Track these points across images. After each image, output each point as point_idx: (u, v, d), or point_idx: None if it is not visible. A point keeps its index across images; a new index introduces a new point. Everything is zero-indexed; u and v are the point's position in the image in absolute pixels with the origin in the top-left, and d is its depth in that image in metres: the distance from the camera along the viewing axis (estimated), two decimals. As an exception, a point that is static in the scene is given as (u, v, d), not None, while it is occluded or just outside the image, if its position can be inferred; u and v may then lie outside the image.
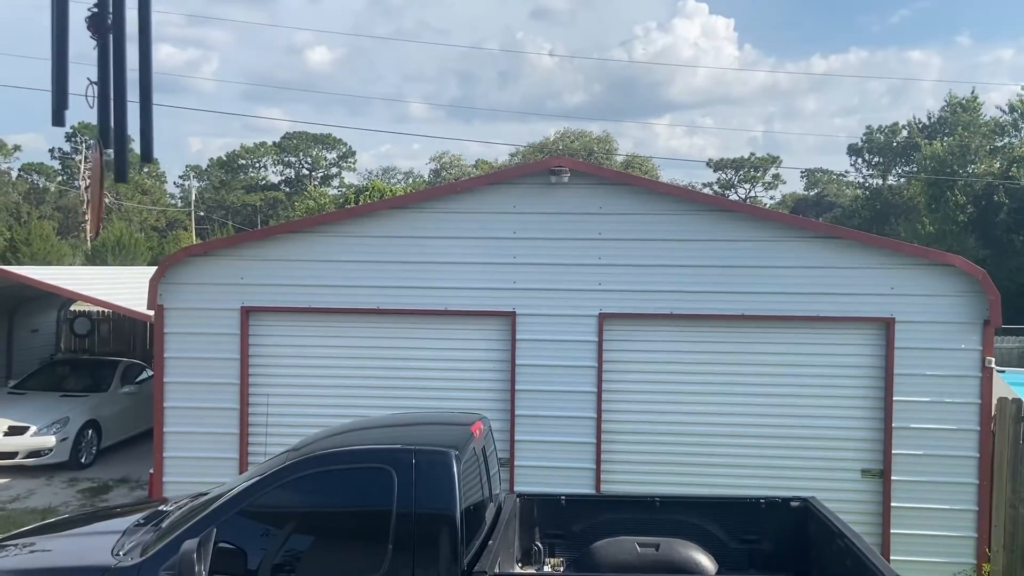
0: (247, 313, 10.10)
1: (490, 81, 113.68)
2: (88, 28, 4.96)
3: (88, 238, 65.21)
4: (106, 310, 18.86)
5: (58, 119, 4.84)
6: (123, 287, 16.27)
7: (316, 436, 6.60)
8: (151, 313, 10.35)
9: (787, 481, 9.41)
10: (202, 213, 79.16)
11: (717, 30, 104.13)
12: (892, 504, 9.48)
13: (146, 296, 10.26)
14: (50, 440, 13.39)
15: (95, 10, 4.95)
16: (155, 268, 10.92)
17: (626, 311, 9.82)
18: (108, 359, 16.73)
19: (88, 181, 74.53)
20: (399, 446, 5.81)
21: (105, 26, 4.89)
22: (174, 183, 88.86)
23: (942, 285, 9.38)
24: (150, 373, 15.72)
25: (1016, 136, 44.72)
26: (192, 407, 10.07)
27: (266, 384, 10.07)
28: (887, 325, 9.46)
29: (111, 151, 5.12)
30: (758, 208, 13.88)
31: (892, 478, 9.45)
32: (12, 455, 13.24)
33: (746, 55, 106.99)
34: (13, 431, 13.29)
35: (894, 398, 9.42)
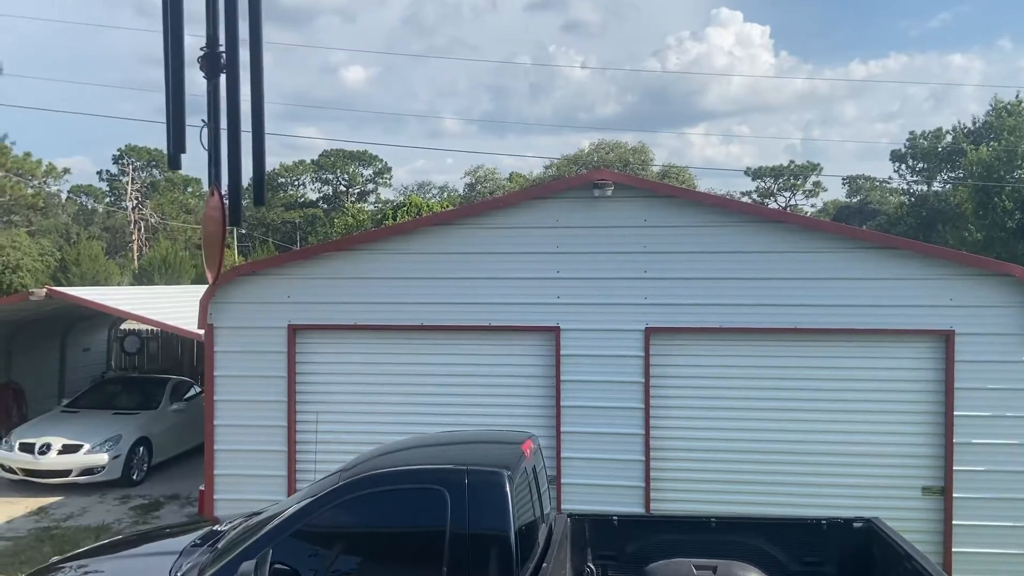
0: (294, 331, 10.18)
1: (522, 95, 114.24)
2: (201, 68, 4.87)
3: (135, 259, 66.70)
4: (154, 328, 19.18)
5: (175, 163, 4.72)
6: (170, 305, 16.54)
7: (367, 455, 6.59)
8: (198, 331, 10.48)
9: (845, 499, 9.17)
10: (243, 231, 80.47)
11: (752, 38, 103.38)
12: (954, 522, 9.17)
13: (192, 314, 10.40)
14: (103, 458, 13.61)
15: (206, 49, 4.86)
16: (201, 286, 11.07)
17: (673, 325, 9.68)
18: (157, 377, 16.99)
19: (134, 202, 76.36)
20: (451, 466, 5.77)
21: (218, 65, 4.78)
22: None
23: (1001, 296, 9.09)
24: (198, 390, 15.97)
25: (1066, 139, 43.50)
26: (241, 425, 10.16)
27: (313, 402, 10.12)
28: (946, 338, 9.19)
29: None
30: (808, 218, 13.64)
31: (954, 495, 9.15)
32: (66, 473, 13.49)
33: (782, 62, 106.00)
34: (67, 449, 13.54)
35: (955, 413, 9.13)
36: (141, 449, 14.34)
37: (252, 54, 4.95)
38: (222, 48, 4.76)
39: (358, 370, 10.16)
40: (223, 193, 5.04)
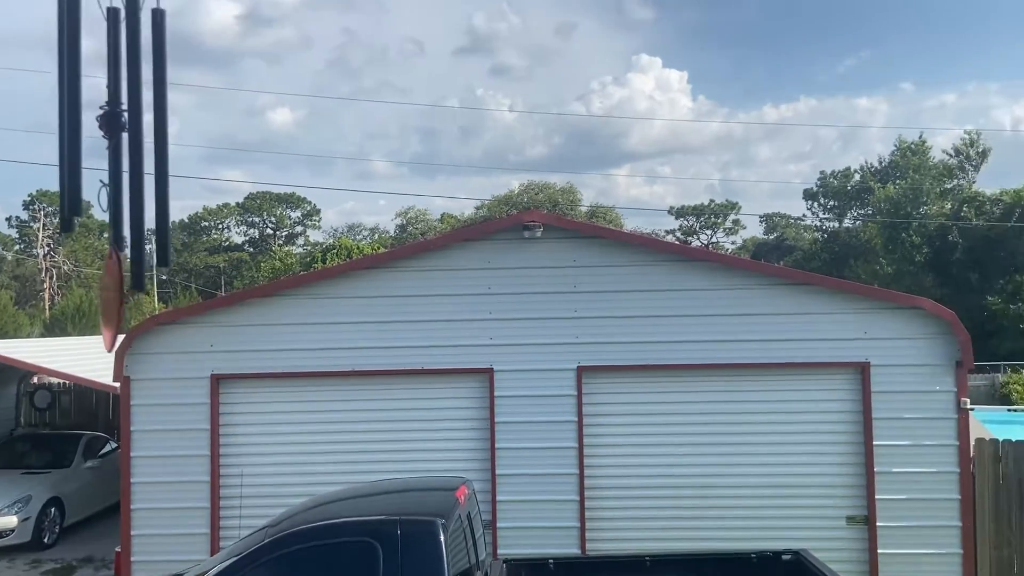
0: (217, 381, 9.85)
1: (452, 136, 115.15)
2: (100, 127, 4.60)
3: (46, 308, 63.81)
4: (67, 382, 18.29)
5: (68, 226, 4.54)
6: (84, 357, 15.82)
7: (295, 509, 6.38)
8: (114, 383, 10.05)
9: (774, 532, 9.30)
10: (164, 276, 78.08)
11: (671, 83, 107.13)
12: (879, 551, 9.41)
13: (107, 365, 9.97)
14: (11, 520, 12.81)
15: (106, 107, 4.60)
16: (117, 336, 10.62)
17: (604, 363, 9.77)
18: (70, 433, 16.17)
19: (46, 249, 73.29)
20: (382, 517, 5.64)
21: (119, 124, 4.56)
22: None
23: (913, 328, 9.49)
24: (114, 446, 15.24)
25: (964, 178, 46.28)
26: (161, 482, 9.71)
27: (239, 454, 9.77)
28: (862, 369, 9.52)
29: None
30: (730, 257, 14.07)
31: (877, 524, 9.40)
32: (-30, 538, 12.63)
33: (700, 106, 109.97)
34: (-29, 513, 12.69)
35: (874, 443, 9.43)
36: (52, 510, 13.56)
37: (156, 113, 4.81)
38: (124, 107, 4.59)
39: (286, 420, 9.88)
40: (122, 255, 4.85)
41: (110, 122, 4.58)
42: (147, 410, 9.81)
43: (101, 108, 4.61)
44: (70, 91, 4.39)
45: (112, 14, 4.69)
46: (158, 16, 4.79)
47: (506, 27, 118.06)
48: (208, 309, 10.20)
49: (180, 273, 79.62)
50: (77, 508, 14.19)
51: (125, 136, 4.72)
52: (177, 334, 9.91)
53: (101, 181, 4.59)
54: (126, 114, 4.57)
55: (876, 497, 9.41)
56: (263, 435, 9.87)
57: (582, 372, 9.74)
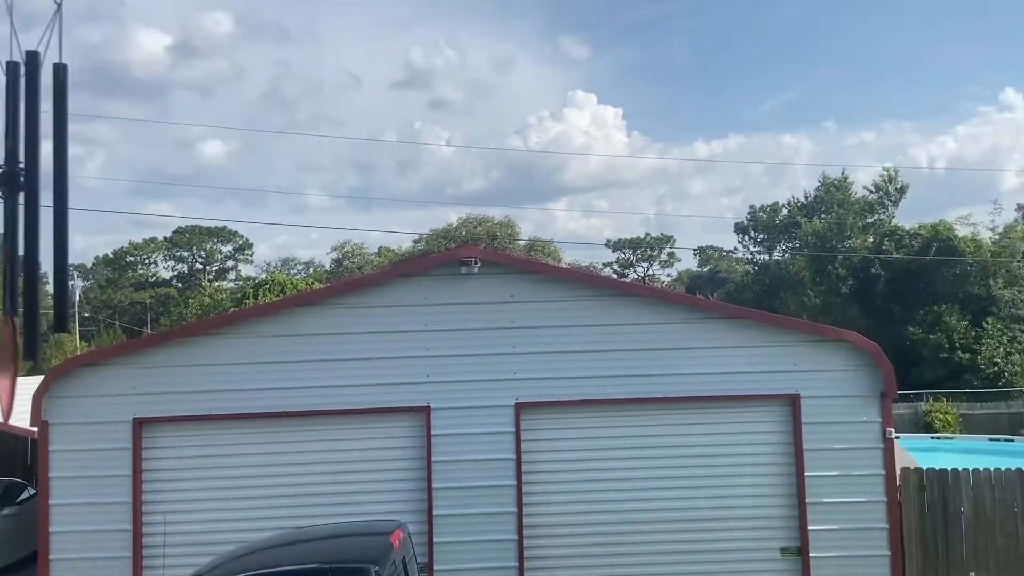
0: (140, 425, 9.47)
1: (389, 170, 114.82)
2: None
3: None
4: (-20, 425, 17.32)
5: None
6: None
7: (223, 558, 6.14)
8: (32, 428, 9.57)
9: (712, 564, 9.41)
10: (87, 314, 75.25)
11: (606, 118, 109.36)
12: (812, 580, 9.54)
13: (25, 408, 9.49)
14: (-87, 577, 11.98)
15: (4, 166, 4.37)
16: (36, 378, 10.18)
17: (542, 399, 9.76)
18: (-18, 480, 15.28)
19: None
20: (314, 565, 5.47)
21: (16, 183, 4.31)
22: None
23: (839, 360, 9.77)
24: (33, 492, 14.44)
25: (884, 213, 48.27)
26: (81, 531, 9.25)
27: (163, 501, 9.38)
28: (792, 401, 9.73)
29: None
30: (665, 291, 14.28)
31: (810, 555, 9.54)
32: None
33: (635, 141, 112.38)
34: None
35: (805, 474, 9.61)
36: (-38, 563, 12.73)
37: (56, 173, 4.56)
38: (22, 165, 4.37)
39: (214, 464, 9.54)
40: (16, 320, 4.53)
41: (7, 181, 4.37)
42: (66, 456, 9.37)
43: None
44: None
45: (12, 68, 4.46)
46: (60, 72, 4.52)
47: (443, 61, 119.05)
48: (131, 350, 9.84)
49: (104, 310, 76.92)
50: (-10, 560, 13.37)
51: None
52: (98, 376, 9.52)
53: None
54: (24, 173, 4.35)
55: (808, 528, 9.57)
56: (189, 480, 9.50)
57: (520, 409, 9.70)
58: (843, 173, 52.05)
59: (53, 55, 4.54)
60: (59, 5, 4.22)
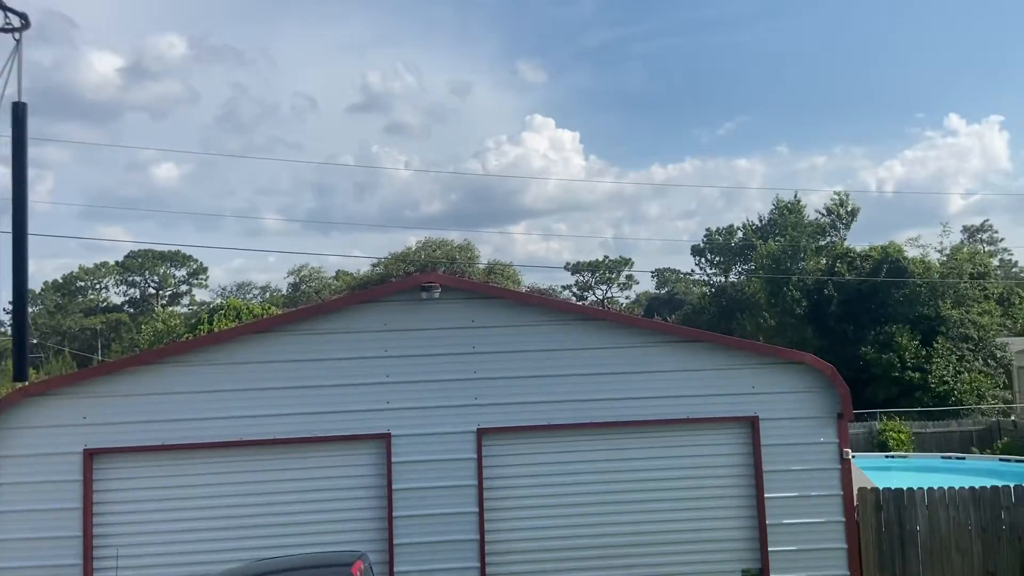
0: (91, 456, 9.20)
1: (347, 193, 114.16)
2: None
3: (-103, 374, 58.45)
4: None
5: None
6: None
7: (177, 595, 5.95)
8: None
9: (674, 588, 9.38)
10: (35, 340, 73.10)
11: (564, 142, 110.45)
12: (774, 602, 9.60)
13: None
14: None
15: None
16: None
17: (504, 424, 9.72)
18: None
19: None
20: (274, 600, 5.32)
21: None
22: (3, 309, 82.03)
23: (796, 382, 9.91)
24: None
25: (836, 235, 49.43)
26: (27, 567, 8.91)
27: (115, 535, 9.09)
28: (752, 423, 9.83)
29: None
30: (623, 315, 14.37)
31: None
32: None
33: (592, 165, 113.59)
34: None
35: (765, 495, 9.70)
36: None
37: (15, 216, 4.42)
38: None
39: (169, 495, 9.30)
40: None
41: None
42: (13, 489, 9.08)
43: None
44: None
45: None
46: (19, 110, 4.34)
47: (400, 85, 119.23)
48: (81, 379, 9.56)
49: (53, 336, 74.87)
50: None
51: None
52: (47, 406, 9.24)
53: None
54: None
55: (769, 549, 9.64)
56: (142, 512, 9.24)
57: (482, 434, 9.65)
58: (796, 196, 53.23)
59: (12, 91, 4.34)
60: (18, 41, 4.04)
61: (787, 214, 52.37)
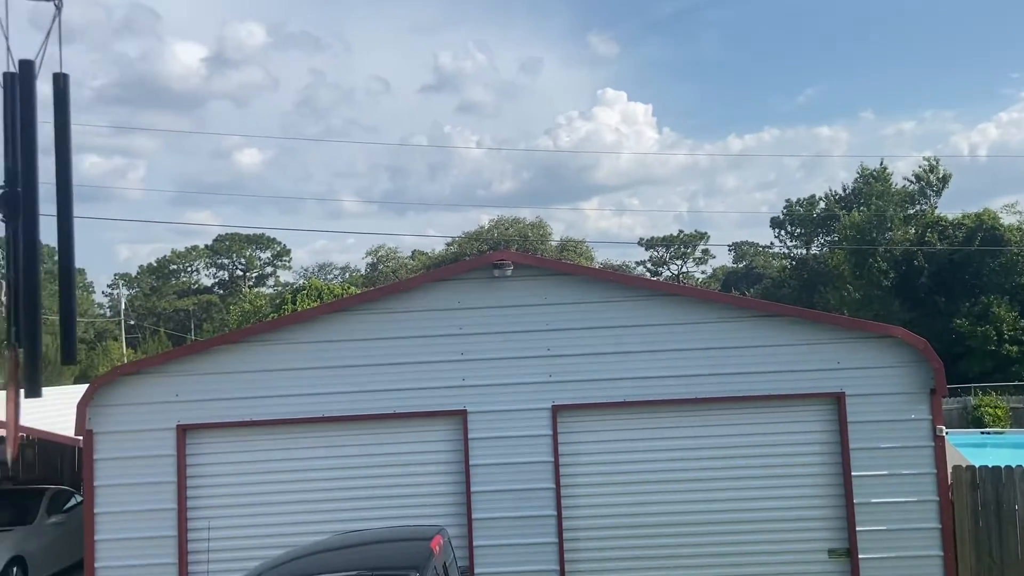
0: (183, 431, 9.58)
1: (421, 174, 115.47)
2: None
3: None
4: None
5: None
6: (48, 408, 15.35)
7: (265, 566, 6.15)
8: (77, 437, 9.73)
9: (757, 568, 9.22)
10: (132, 322, 76.77)
11: (636, 116, 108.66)
12: (862, 583, 9.31)
13: (72, 416, 9.65)
14: (-32, 583, 12.26)
15: (5, 187, 3.98)
16: (82, 386, 10.34)
17: (579, 402, 9.66)
18: (33, 488, 15.59)
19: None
20: (355, 572, 5.44)
21: (16, 206, 3.96)
22: (102, 292, 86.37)
23: (887, 357, 9.51)
24: (80, 499, 14.71)
25: (926, 203, 47.22)
26: (126, 538, 9.38)
27: (207, 507, 9.47)
28: (838, 400, 9.50)
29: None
30: (701, 290, 14.09)
31: (860, 556, 9.31)
32: (-74, 603, 12.07)
33: (666, 137, 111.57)
34: (-74, 577, 12.15)
35: (852, 473, 9.38)
36: (15, 569, 12.99)
37: (59, 193, 4.14)
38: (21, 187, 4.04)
39: (255, 469, 9.62)
40: (18, 353, 4.13)
41: (6, 204, 4.05)
42: (111, 464, 9.51)
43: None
44: None
45: (9, 80, 4.08)
46: (60, 81, 4.16)
47: (471, 64, 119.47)
48: (173, 358, 9.95)
49: (148, 318, 78.50)
50: (41, 566, 13.63)
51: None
52: (141, 384, 9.65)
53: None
54: (23, 192, 4.05)
55: (857, 529, 9.33)
56: (232, 486, 9.59)
57: (557, 411, 9.62)
58: (882, 164, 51.06)
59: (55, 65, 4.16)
60: (58, 9, 3.97)
61: (873, 182, 50.30)
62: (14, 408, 4.12)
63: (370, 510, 9.38)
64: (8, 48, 4.05)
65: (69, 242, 4.22)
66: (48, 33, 4.03)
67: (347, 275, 79.85)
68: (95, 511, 9.41)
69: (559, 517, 9.48)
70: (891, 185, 49.20)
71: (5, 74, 4.11)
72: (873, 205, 46.83)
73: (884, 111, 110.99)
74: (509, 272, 9.69)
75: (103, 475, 9.46)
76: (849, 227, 45.99)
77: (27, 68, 4.07)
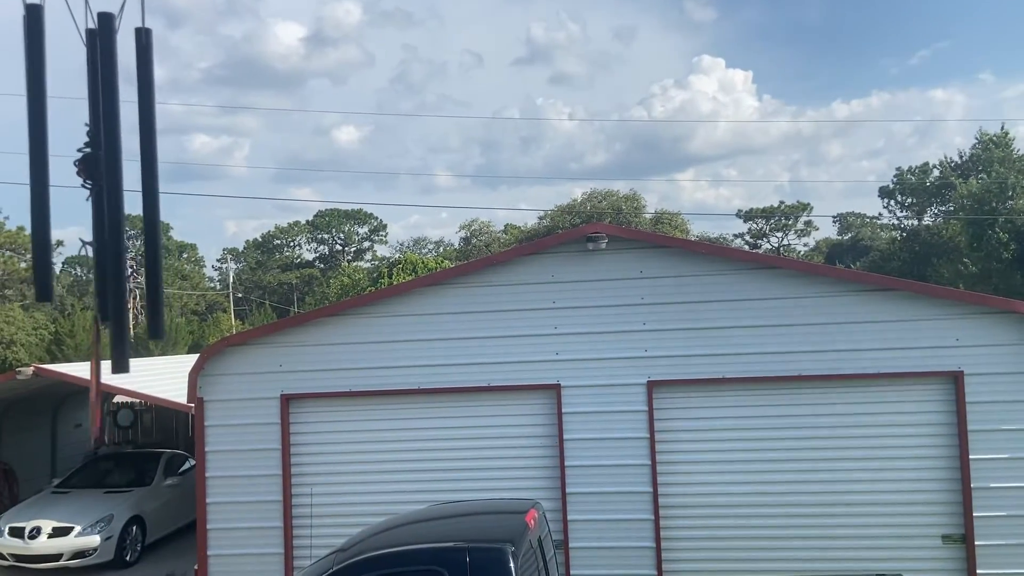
0: (287, 401, 9.92)
1: (513, 147, 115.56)
2: (78, 172, 3.80)
3: (130, 327, 66.33)
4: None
5: (44, 294, 3.76)
6: (163, 377, 16.22)
7: (364, 534, 6.29)
8: (189, 404, 10.22)
9: (864, 552, 8.84)
10: (240, 295, 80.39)
11: (735, 83, 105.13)
12: (978, 572, 8.80)
13: (185, 384, 10.14)
14: (95, 540, 13.16)
15: (86, 149, 3.78)
16: (195, 356, 10.82)
17: (675, 377, 9.44)
18: (150, 452, 16.57)
19: (129, 271, 76.24)
20: (451, 544, 5.49)
21: (97, 168, 3.77)
22: (212, 266, 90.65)
23: (1010, 334, 8.89)
24: (193, 463, 15.53)
25: (1053, 169, 43.89)
26: (235, 502, 9.82)
27: (309, 473, 9.80)
28: (955, 379, 8.95)
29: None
30: (805, 263, 13.52)
31: (976, 543, 8.80)
32: (57, 557, 13.02)
33: (766, 105, 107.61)
34: (58, 532, 13.09)
35: (970, 456, 8.85)
36: (134, 528, 13.88)
37: (144, 157, 3.88)
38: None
39: (355, 438, 9.87)
40: (102, 328, 3.99)
41: (90, 166, 3.80)
42: (220, 431, 9.94)
43: (79, 150, 3.79)
44: (33, 155, 3.58)
45: (91, 36, 3.81)
46: (143, 37, 3.89)
47: (564, 35, 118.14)
48: (277, 330, 10.28)
49: (255, 291, 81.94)
50: (158, 526, 14.50)
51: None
52: (247, 355, 10.02)
53: (81, 239, 4.08)
54: (105, 155, 3.82)
55: (974, 514, 8.82)
56: (332, 454, 9.88)
57: (652, 387, 9.44)
58: (1003, 128, 47.81)
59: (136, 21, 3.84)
60: None
61: (992, 148, 47.16)
62: (96, 383, 4.11)
63: (465, 481, 9.49)
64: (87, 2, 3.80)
65: (155, 211, 4.01)
66: None
67: (441, 249, 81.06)
68: (206, 475, 9.87)
69: (655, 494, 9.33)
70: (1013, 151, 46.00)
71: (88, 30, 3.88)
72: (993, 172, 43.89)
73: (1004, 72, 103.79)
74: (603, 245, 9.52)
75: (213, 441, 9.91)
76: (966, 196, 43.31)
77: (107, 22, 3.78)
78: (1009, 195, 42.11)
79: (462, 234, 77.48)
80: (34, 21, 3.64)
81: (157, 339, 4.26)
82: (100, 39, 3.81)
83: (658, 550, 9.28)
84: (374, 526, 6.63)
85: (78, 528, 13.22)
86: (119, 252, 3.73)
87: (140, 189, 4.03)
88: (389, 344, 9.85)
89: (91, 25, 3.92)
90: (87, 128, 3.79)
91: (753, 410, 9.34)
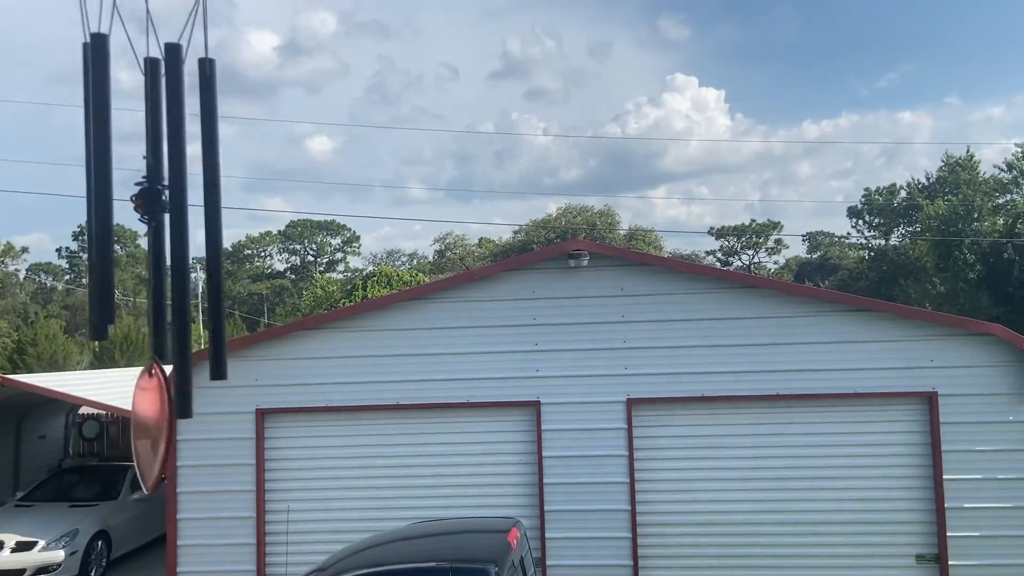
0: (262, 415, 9.76)
1: (487, 161, 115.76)
2: (136, 208, 3.62)
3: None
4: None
5: (100, 332, 3.55)
6: (132, 387, 15.90)
7: (344, 552, 6.19)
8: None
9: (838, 571, 8.90)
10: (207, 305, 79.23)
11: (708, 102, 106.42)
12: (952, 591, 8.89)
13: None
14: (59, 555, 12.80)
15: (143, 182, 3.57)
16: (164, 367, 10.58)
17: (655, 395, 9.46)
18: (117, 465, 16.18)
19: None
20: (434, 564, 5.42)
21: (158, 204, 3.59)
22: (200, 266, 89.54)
23: (983, 355, 9.03)
24: (161, 478, 15.21)
25: (1018, 193, 44.87)
26: (207, 518, 9.62)
27: (284, 489, 9.64)
28: (929, 399, 9.06)
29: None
30: (786, 283, 13.66)
31: (950, 563, 8.89)
32: (21, 572, 12.62)
33: (738, 124, 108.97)
34: (21, 547, 12.71)
35: (944, 477, 8.95)
36: (100, 543, 13.53)
37: (207, 189, 3.74)
38: (165, 184, 3.65)
39: (331, 454, 9.74)
40: (164, 374, 3.71)
41: (148, 201, 3.61)
42: (192, 445, 9.75)
43: (137, 184, 3.61)
44: (98, 183, 3.42)
45: (151, 66, 3.67)
46: (207, 68, 3.76)
47: (540, 51, 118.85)
48: (252, 343, 10.13)
49: (224, 301, 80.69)
50: (124, 541, 14.16)
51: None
52: (222, 368, 9.83)
53: (140, 275, 3.77)
54: (168, 192, 3.57)
55: (947, 534, 8.91)
56: (308, 470, 9.73)
57: (632, 404, 9.44)
58: (968, 151, 48.85)
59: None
60: None
61: (959, 171, 48.20)
62: (165, 434, 3.74)
63: (443, 498, 9.40)
64: (150, 27, 3.62)
65: (217, 248, 3.83)
66: (191, 15, 3.58)
67: (415, 262, 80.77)
68: (177, 490, 9.67)
69: (633, 512, 9.32)
70: (979, 173, 47.02)
71: (147, 59, 3.70)
72: (960, 194, 44.79)
73: (971, 96, 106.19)
74: (585, 262, 9.53)
75: (185, 455, 9.71)
76: (933, 217, 44.15)
77: (174, 53, 3.65)
78: (975, 217, 42.98)
79: (436, 247, 77.32)
80: (98, 51, 3.49)
81: (220, 379, 3.93)
82: (167, 70, 3.64)
83: (635, 568, 9.25)
84: (355, 544, 6.53)
85: (42, 543, 12.86)
86: (184, 292, 3.55)
87: (203, 225, 3.86)
88: (367, 359, 9.75)
89: (148, 54, 3.81)
90: (145, 160, 3.59)
91: (731, 429, 9.38)
